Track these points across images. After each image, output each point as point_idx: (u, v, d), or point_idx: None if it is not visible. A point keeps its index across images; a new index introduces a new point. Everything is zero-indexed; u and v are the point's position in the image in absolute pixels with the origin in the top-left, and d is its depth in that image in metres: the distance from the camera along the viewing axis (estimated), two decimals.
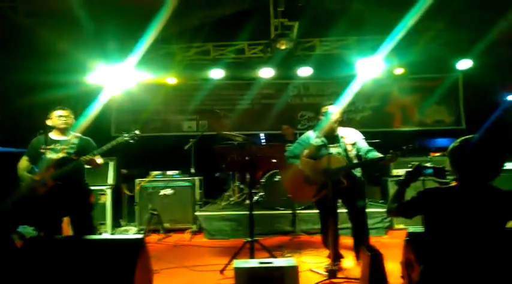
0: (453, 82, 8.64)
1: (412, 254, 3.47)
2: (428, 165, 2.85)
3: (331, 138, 4.47)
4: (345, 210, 4.51)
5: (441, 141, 7.60)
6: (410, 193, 2.66)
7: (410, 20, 6.36)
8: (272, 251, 4.66)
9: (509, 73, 8.22)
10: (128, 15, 6.97)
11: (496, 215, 2.35)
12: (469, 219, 2.35)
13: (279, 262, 3.49)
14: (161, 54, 7.89)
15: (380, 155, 4.19)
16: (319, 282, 3.93)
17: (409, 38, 7.11)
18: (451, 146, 2.52)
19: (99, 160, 4.43)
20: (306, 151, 4.54)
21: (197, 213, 6.42)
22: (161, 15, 6.30)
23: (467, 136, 2.47)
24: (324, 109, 4.48)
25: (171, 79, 8.14)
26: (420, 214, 2.55)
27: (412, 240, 3.56)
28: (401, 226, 6.07)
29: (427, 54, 7.73)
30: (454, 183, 2.53)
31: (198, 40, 8.06)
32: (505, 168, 2.44)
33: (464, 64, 7.72)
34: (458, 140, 2.48)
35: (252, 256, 4.30)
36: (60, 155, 4.31)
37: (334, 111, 4.46)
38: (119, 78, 7.24)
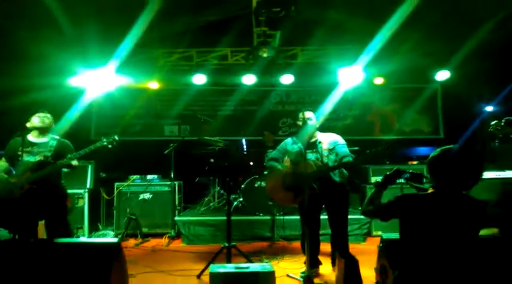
0: (432, 92, 8.84)
1: (386, 260, 3.53)
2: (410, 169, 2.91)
3: (310, 143, 4.49)
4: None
5: (419, 150, 7.73)
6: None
7: (389, 30, 6.49)
8: (251, 257, 4.68)
9: (486, 85, 8.44)
10: (109, 18, 6.96)
11: (469, 224, 2.41)
12: (443, 226, 2.40)
13: (254, 267, 3.50)
14: (143, 58, 7.86)
15: (350, 160, 4.24)
16: None
17: (388, 48, 7.25)
18: (431, 155, 2.58)
19: (74, 162, 4.40)
20: (286, 158, 4.59)
21: (176, 218, 6.40)
22: (143, 20, 6.31)
23: (447, 146, 2.54)
24: (301, 116, 4.51)
25: (153, 84, 8.12)
26: (395, 217, 2.60)
27: (386, 246, 3.62)
28: (379, 232, 6.14)
29: (406, 64, 7.87)
30: (430, 190, 2.59)
31: (181, 45, 8.08)
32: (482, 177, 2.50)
33: (443, 75, 7.89)
34: (439, 149, 2.54)
35: (228, 261, 4.31)
36: (38, 158, 4.28)
37: (310, 116, 4.50)
38: (99, 81, 7.20)
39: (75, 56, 7.05)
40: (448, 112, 8.83)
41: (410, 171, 2.90)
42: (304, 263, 4.43)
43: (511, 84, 7.60)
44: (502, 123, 6.12)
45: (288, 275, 4.41)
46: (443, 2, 6.53)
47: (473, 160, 2.45)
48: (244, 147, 7.24)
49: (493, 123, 6.28)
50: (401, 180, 2.93)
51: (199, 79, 8.03)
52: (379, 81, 8.13)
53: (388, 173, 2.89)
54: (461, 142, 7.76)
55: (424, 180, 2.88)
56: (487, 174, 5.15)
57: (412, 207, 2.48)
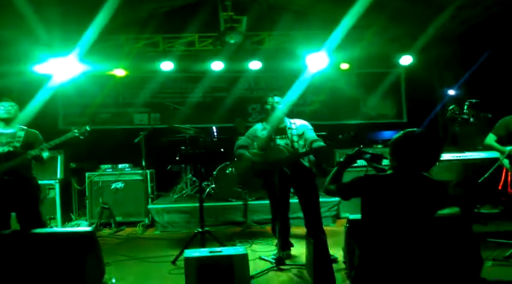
0: (396, 77, 9.08)
1: (351, 240, 3.72)
2: (370, 151, 3.05)
3: (278, 129, 4.56)
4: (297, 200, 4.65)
5: (384, 134, 7.98)
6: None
7: (353, 16, 6.61)
8: (224, 242, 4.79)
9: (447, 69, 8.76)
10: (73, 4, 6.82)
11: (427, 204, 2.55)
12: (402, 206, 2.53)
13: (228, 250, 3.61)
14: (109, 45, 7.75)
15: (323, 145, 4.32)
16: (266, 269, 4.10)
17: (353, 34, 7.41)
18: (394, 137, 2.71)
19: (45, 153, 4.36)
20: (256, 143, 4.66)
21: (149, 206, 6.44)
22: (108, 5, 6.22)
23: (409, 129, 2.68)
24: (269, 101, 4.57)
25: (120, 71, 8.01)
26: (356, 196, 2.74)
27: (351, 227, 3.82)
28: (347, 214, 6.35)
29: (371, 50, 8.07)
30: (390, 171, 2.73)
31: (147, 31, 8.00)
32: (441, 158, 2.68)
33: (406, 60, 8.11)
34: (401, 132, 2.69)
35: (202, 246, 4.41)
36: (6, 149, 4.21)
37: (279, 101, 4.57)
38: (65, 69, 7.06)
39: (39, 42, 6.89)
40: (411, 97, 9.10)
41: (371, 152, 3.04)
42: (276, 245, 4.59)
43: (471, 69, 7.92)
44: (465, 107, 6.41)
45: (260, 258, 4.56)
46: None
47: (432, 143, 2.59)
48: (215, 133, 7.30)
49: (450, 107, 6.59)
50: (364, 158, 3.07)
51: (166, 66, 7.97)
52: (345, 66, 8.28)
53: (350, 153, 3.02)
54: (423, 126, 8.07)
55: (384, 161, 3.03)
56: (448, 156, 5.39)
57: (373, 186, 2.60)
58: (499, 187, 5.93)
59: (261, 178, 4.52)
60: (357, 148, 3.02)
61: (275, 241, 4.87)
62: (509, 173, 4.59)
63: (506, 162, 4.50)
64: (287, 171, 4.34)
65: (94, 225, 6.19)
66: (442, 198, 2.58)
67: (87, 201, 6.56)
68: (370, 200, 2.63)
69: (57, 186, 6.29)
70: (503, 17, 6.72)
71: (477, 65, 7.44)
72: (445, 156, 5.40)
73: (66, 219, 6.49)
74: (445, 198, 2.60)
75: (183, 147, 6.72)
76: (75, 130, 4.56)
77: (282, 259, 4.20)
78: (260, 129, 4.69)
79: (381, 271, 2.53)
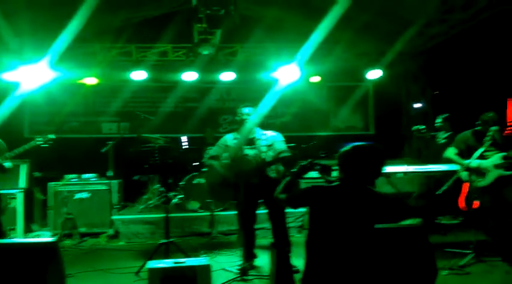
0: (364, 90, 9.28)
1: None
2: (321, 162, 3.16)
3: (249, 139, 4.59)
4: (264, 211, 4.68)
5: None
6: None
7: (323, 30, 6.75)
8: (189, 253, 4.77)
9: (414, 84, 9.02)
10: (45, 11, 6.75)
11: (369, 215, 2.65)
12: (345, 215, 2.63)
13: (191, 261, 3.61)
14: (81, 53, 7.69)
15: (284, 155, 4.39)
16: (230, 280, 4.10)
17: (323, 48, 7.55)
18: (342, 150, 2.81)
19: (7, 163, 4.28)
20: (226, 154, 4.68)
21: (114, 217, 6.34)
22: (81, 13, 6.18)
23: (357, 143, 2.78)
24: (240, 112, 4.62)
25: (91, 80, 7.94)
26: (304, 206, 2.87)
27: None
28: None
29: (340, 63, 8.26)
30: (336, 183, 2.83)
31: (121, 40, 7.97)
32: (384, 171, 2.78)
33: (374, 74, 8.31)
34: (349, 146, 2.78)
35: (166, 257, 4.38)
36: None
37: (249, 112, 4.61)
38: (34, 76, 6.95)
39: (8, 50, 6.78)
40: (378, 110, 9.32)
41: (322, 163, 3.15)
42: (240, 256, 4.59)
43: (436, 83, 8.18)
44: (439, 120, 6.60)
45: (224, 269, 4.55)
46: (373, 3, 6.89)
47: (377, 158, 2.72)
48: (183, 144, 7.28)
49: (414, 128, 6.81)
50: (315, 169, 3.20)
51: (139, 75, 7.95)
52: (315, 79, 8.43)
53: (302, 164, 3.12)
54: (389, 138, 8.29)
55: (334, 173, 3.14)
56: (410, 168, 5.51)
57: (319, 197, 2.71)
58: (459, 199, 6.13)
59: (230, 189, 4.53)
60: (309, 160, 3.12)
61: (240, 252, 4.89)
62: (467, 185, 4.73)
63: (464, 174, 4.64)
64: (253, 182, 4.37)
65: (57, 236, 6.05)
66: (381, 209, 2.68)
67: (49, 211, 6.41)
68: (316, 210, 2.72)
69: (20, 196, 6.13)
70: (467, 35, 6.99)
71: (441, 79, 7.71)
72: (408, 168, 5.53)
73: (27, 230, 6.31)
74: (384, 210, 2.69)
75: (151, 157, 6.68)
76: (39, 139, 4.50)
77: (246, 269, 4.22)
78: (231, 139, 4.72)
79: (324, 278, 2.61)
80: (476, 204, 4.67)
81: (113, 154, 6.74)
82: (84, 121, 8.65)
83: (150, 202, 6.95)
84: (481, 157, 4.59)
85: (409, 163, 5.65)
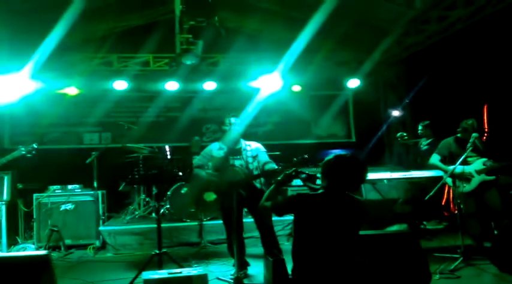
0: (345, 99, 9.47)
1: None
2: (306, 171, 3.25)
3: (234, 150, 4.64)
4: (250, 220, 4.72)
5: (334, 153, 8.26)
6: None
7: (303, 39, 6.90)
8: (180, 263, 4.75)
9: (392, 92, 9.28)
10: (24, 21, 6.66)
11: (350, 220, 2.80)
12: (329, 222, 2.76)
13: (187, 271, 3.61)
14: (62, 63, 7.61)
15: (276, 167, 4.49)
16: None
17: (304, 57, 7.70)
18: (325, 159, 2.95)
19: None
20: (211, 163, 4.70)
21: (101, 228, 6.26)
22: (62, 23, 6.13)
23: (340, 153, 2.95)
24: (227, 121, 4.64)
25: (72, 90, 7.85)
26: (289, 213, 3.01)
27: None
28: None
29: (321, 73, 8.43)
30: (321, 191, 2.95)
31: (102, 50, 7.92)
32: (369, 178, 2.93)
33: (353, 83, 8.51)
34: (332, 155, 2.92)
35: (160, 268, 4.36)
36: None
37: (235, 122, 4.65)
38: (13, 86, 6.82)
39: None
40: (358, 118, 9.53)
41: (307, 172, 3.24)
42: (233, 265, 4.61)
43: (413, 91, 8.43)
44: (420, 127, 6.83)
45: (217, 278, 4.56)
46: (350, 14, 7.08)
47: (358, 167, 2.85)
48: (167, 153, 7.26)
49: (398, 134, 7.03)
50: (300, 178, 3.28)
51: (120, 85, 7.92)
52: (297, 88, 8.57)
53: (287, 172, 3.22)
54: (370, 145, 8.48)
55: (318, 181, 3.25)
56: (396, 175, 5.65)
57: (304, 204, 2.82)
58: (442, 203, 6.34)
59: (217, 199, 4.55)
60: (293, 168, 3.22)
61: (231, 261, 4.91)
62: (451, 190, 4.90)
63: (449, 180, 4.80)
64: (242, 193, 4.41)
65: (42, 248, 5.93)
66: (362, 215, 2.83)
67: (34, 224, 6.28)
68: (301, 217, 2.84)
69: (3, 208, 5.97)
70: (444, 45, 7.25)
71: (419, 87, 7.96)
72: (392, 175, 5.66)
73: (11, 243, 6.16)
74: (365, 215, 2.85)
75: (136, 167, 6.63)
76: (22, 148, 4.45)
77: (240, 279, 4.23)
78: (216, 149, 4.74)
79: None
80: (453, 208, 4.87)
81: (97, 164, 6.65)
82: (65, 131, 8.54)
83: (137, 212, 6.90)
84: (464, 163, 4.77)
85: (392, 170, 5.80)
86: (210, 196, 6.13)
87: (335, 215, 2.76)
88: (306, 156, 4.10)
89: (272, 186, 3.16)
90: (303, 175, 3.24)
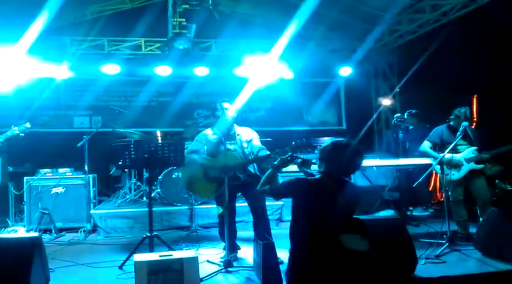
0: (336, 87, 9.51)
1: None
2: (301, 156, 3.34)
3: (228, 135, 4.64)
4: (242, 204, 4.76)
5: (326, 140, 8.32)
6: None
7: (296, 25, 6.88)
8: (172, 246, 4.80)
9: (383, 80, 9.33)
10: (13, 2, 6.58)
11: (347, 203, 2.91)
12: (325, 205, 2.86)
13: (178, 254, 3.66)
14: (52, 46, 7.53)
15: (268, 153, 4.50)
16: (215, 271, 4.18)
17: (296, 44, 7.70)
18: (323, 144, 3.06)
19: None
20: (206, 148, 4.71)
21: (92, 211, 6.28)
22: (51, 5, 6.06)
23: (337, 139, 3.06)
24: (220, 107, 4.64)
25: (62, 73, 7.76)
26: (286, 197, 3.14)
27: None
28: (290, 217, 6.55)
29: (313, 60, 8.42)
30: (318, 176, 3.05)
31: (92, 33, 7.85)
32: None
33: (345, 71, 8.52)
34: (330, 141, 2.98)
35: (151, 251, 4.40)
36: None
37: (229, 107, 4.66)
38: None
39: None
40: (350, 105, 9.60)
41: (302, 157, 3.32)
42: (224, 248, 4.67)
43: (404, 79, 8.49)
44: (406, 115, 6.98)
45: (208, 261, 4.62)
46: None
47: (355, 153, 2.95)
48: (159, 138, 7.26)
49: (396, 115, 7.12)
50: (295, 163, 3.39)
51: (111, 69, 7.84)
52: (289, 75, 8.55)
53: (283, 157, 3.31)
54: (360, 132, 8.56)
55: (312, 166, 3.31)
56: (384, 162, 5.73)
57: (301, 188, 2.94)
58: (429, 189, 6.46)
59: (215, 183, 4.57)
60: (289, 153, 3.31)
61: (221, 244, 4.97)
62: (438, 177, 4.99)
63: (437, 168, 4.88)
64: (240, 176, 4.46)
65: (33, 231, 5.94)
66: (357, 199, 3.01)
67: (25, 206, 6.28)
68: (298, 200, 2.96)
69: None
70: (436, 34, 7.30)
71: (409, 76, 8.02)
72: (381, 162, 5.75)
73: (1, 225, 6.17)
74: (359, 199, 3.03)
75: (127, 152, 6.61)
76: (15, 128, 4.43)
77: (230, 261, 4.30)
78: (211, 134, 4.75)
79: (307, 264, 2.84)
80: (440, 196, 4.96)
81: (88, 148, 6.64)
82: (56, 114, 8.50)
83: (128, 196, 6.92)
84: (454, 151, 4.85)
85: (381, 157, 5.88)
86: (205, 181, 6.17)
87: (332, 198, 2.87)
88: (304, 140, 4.15)
89: (269, 171, 3.25)
90: (299, 160, 3.35)
